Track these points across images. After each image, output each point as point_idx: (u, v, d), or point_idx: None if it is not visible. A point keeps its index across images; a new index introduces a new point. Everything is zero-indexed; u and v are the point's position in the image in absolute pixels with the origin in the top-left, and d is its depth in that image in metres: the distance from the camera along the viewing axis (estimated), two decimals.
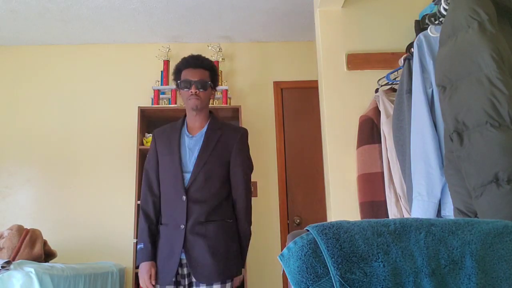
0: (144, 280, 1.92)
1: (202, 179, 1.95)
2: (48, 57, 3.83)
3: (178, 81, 2.05)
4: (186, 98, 2.02)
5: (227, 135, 2.05)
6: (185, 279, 1.94)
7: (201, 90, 2.00)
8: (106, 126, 3.68)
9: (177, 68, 2.08)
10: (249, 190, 2.08)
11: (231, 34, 3.78)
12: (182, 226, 1.91)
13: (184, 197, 1.93)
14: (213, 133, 2.04)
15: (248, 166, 2.08)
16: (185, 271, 1.94)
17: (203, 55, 2.13)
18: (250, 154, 2.15)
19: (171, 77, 2.13)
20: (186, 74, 2.02)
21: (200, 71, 2.02)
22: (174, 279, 1.90)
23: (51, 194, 3.58)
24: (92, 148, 3.65)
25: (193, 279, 1.92)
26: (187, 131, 2.07)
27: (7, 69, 3.81)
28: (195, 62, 2.04)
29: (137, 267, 1.99)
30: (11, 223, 2.86)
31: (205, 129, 2.06)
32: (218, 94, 3.66)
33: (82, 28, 3.58)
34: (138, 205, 3.19)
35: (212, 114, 2.13)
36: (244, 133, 2.11)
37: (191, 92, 1.98)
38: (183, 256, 1.91)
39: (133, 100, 3.65)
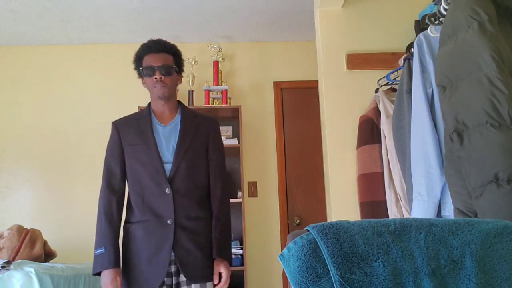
0: None
1: (185, 169, 1.83)
2: (48, 57, 3.83)
3: (140, 68, 1.90)
4: (151, 86, 1.87)
5: (202, 125, 1.94)
6: (171, 277, 1.80)
7: (166, 75, 1.85)
8: (106, 126, 3.67)
9: (138, 55, 1.92)
10: (226, 180, 1.97)
11: (231, 34, 3.78)
12: (170, 221, 1.77)
13: (168, 190, 1.79)
14: (189, 122, 1.92)
15: (223, 157, 1.99)
16: (172, 268, 1.80)
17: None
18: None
19: (132, 66, 1.96)
20: (148, 60, 1.87)
21: (163, 55, 1.87)
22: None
23: (51, 194, 3.58)
24: (92, 148, 3.65)
25: (181, 279, 1.79)
26: (157, 120, 1.92)
27: (7, 69, 3.81)
28: (157, 46, 1.89)
29: (95, 275, 1.79)
30: (11, 223, 2.86)
31: (179, 117, 1.93)
32: (218, 94, 3.65)
33: (82, 28, 3.58)
34: None
35: (180, 102, 2.00)
36: (217, 123, 2.02)
37: (155, 78, 1.83)
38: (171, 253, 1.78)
39: (133, 100, 3.64)
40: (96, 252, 1.79)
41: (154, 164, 1.82)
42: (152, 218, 1.80)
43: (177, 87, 1.98)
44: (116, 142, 1.91)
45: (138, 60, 1.93)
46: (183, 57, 2.00)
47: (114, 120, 2.04)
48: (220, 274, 1.81)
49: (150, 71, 1.86)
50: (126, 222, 1.88)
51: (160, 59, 1.87)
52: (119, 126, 1.95)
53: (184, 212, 1.80)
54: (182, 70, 1.99)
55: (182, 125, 1.90)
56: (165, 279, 1.78)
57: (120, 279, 1.77)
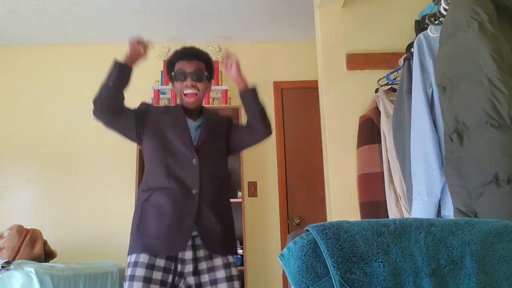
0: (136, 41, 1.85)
1: (209, 147, 1.90)
2: (48, 57, 3.83)
3: (172, 73, 1.95)
4: (181, 92, 1.93)
5: (222, 118, 2.08)
6: (191, 250, 1.78)
7: (197, 81, 1.91)
8: None
9: (170, 60, 1.99)
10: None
11: (231, 34, 3.78)
12: (195, 191, 1.78)
13: (196, 161, 1.82)
14: (212, 117, 2.03)
15: None
16: (195, 241, 1.79)
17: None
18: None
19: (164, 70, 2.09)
20: (181, 66, 1.93)
21: (195, 62, 1.94)
22: (190, 243, 1.76)
23: (51, 194, 3.58)
24: (92, 148, 3.65)
25: (200, 254, 1.77)
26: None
27: (7, 69, 3.81)
28: (190, 53, 1.96)
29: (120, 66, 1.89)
30: (11, 223, 2.86)
31: (204, 116, 2.03)
32: (218, 94, 3.65)
33: (82, 28, 3.58)
34: None
35: (203, 107, 2.07)
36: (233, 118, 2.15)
37: (187, 84, 1.89)
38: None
39: (133, 100, 3.62)
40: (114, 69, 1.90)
41: (182, 135, 1.87)
42: (177, 186, 1.80)
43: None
44: (143, 110, 1.97)
45: (171, 66, 1.99)
46: (213, 65, 2.06)
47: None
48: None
49: (182, 76, 1.91)
50: (144, 189, 1.86)
51: (192, 65, 1.93)
52: (151, 106, 2.03)
53: (208, 185, 1.83)
54: (213, 77, 2.06)
55: (206, 118, 1.99)
56: (186, 252, 1.76)
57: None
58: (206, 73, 1.96)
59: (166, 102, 3.61)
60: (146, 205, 1.82)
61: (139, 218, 1.81)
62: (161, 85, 3.67)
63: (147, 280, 1.68)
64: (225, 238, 1.82)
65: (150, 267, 1.70)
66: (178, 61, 1.95)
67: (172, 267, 1.73)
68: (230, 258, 1.82)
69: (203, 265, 1.78)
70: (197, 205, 1.77)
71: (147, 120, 1.93)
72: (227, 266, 1.79)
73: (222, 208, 1.87)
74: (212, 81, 2.07)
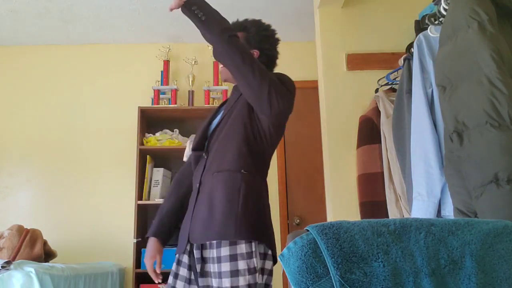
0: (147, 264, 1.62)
1: (223, 127, 1.72)
2: (48, 57, 3.83)
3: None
4: None
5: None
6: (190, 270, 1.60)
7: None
8: (106, 126, 3.68)
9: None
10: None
11: None
12: (198, 185, 1.64)
13: (205, 154, 1.72)
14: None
15: None
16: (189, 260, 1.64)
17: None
18: None
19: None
20: None
21: None
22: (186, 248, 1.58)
23: (51, 194, 3.58)
24: (92, 148, 3.65)
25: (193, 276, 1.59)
26: None
27: (7, 69, 3.81)
28: None
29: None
30: (11, 223, 2.86)
31: None
32: (218, 94, 3.65)
33: (82, 28, 3.58)
34: (139, 205, 3.19)
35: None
36: None
37: None
38: None
39: (133, 100, 3.65)
40: None
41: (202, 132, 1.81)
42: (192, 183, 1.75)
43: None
44: None
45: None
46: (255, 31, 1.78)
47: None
48: None
49: None
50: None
51: None
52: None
53: (207, 171, 1.65)
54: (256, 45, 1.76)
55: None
56: (186, 271, 1.58)
57: (160, 256, 1.62)
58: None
59: (166, 102, 3.61)
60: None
61: None
62: (161, 85, 3.67)
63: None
64: (212, 221, 1.52)
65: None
66: None
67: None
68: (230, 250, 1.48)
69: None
70: (195, 198, 1.63)
71: None
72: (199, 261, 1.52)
73: (216, 185, 1.61)
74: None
